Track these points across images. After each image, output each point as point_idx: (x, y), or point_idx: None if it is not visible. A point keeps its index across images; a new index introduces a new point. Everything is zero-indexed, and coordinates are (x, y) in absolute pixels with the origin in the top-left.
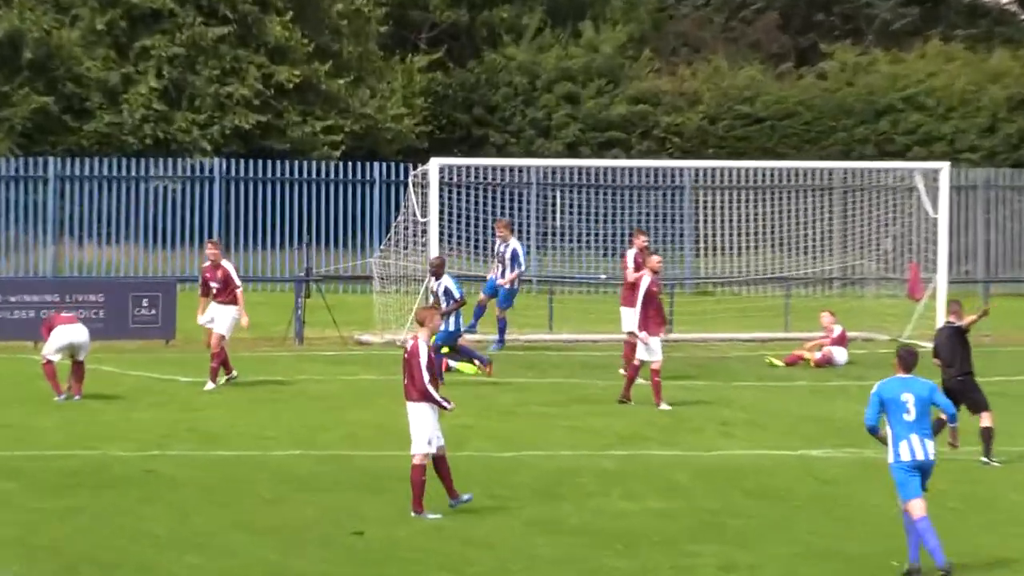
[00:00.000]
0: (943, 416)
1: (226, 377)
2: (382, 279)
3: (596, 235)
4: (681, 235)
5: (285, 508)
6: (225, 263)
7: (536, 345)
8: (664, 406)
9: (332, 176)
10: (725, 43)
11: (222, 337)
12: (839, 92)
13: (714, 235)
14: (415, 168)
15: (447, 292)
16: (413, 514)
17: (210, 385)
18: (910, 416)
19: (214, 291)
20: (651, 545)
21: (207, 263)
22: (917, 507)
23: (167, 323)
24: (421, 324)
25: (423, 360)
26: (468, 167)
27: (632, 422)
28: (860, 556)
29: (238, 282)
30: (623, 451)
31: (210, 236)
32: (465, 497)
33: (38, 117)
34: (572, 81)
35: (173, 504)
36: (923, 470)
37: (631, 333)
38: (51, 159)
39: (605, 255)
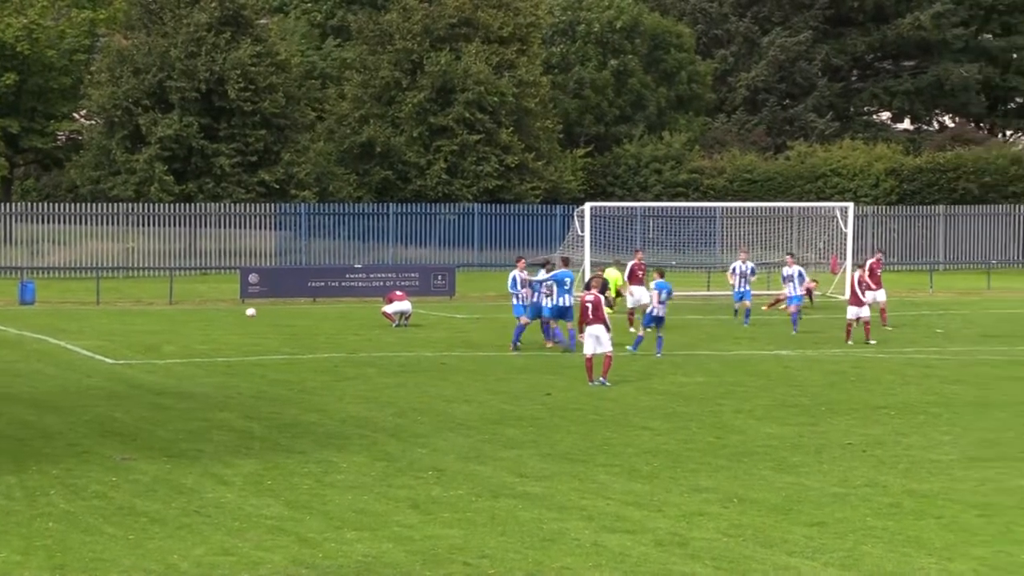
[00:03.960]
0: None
1: None
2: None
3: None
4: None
5: (512, 384)
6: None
7: None
8: None
9: (533, 212)
10: (739, 141)
11: None
12: (797, 167)
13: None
14: (578, 207)
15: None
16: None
17: None
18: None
19: None
20: None
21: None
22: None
23: None
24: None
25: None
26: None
27: None
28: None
29: None
30: None
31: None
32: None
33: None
34: (657, 161)
35: (454, 382)
36: None
37: None
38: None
39: None
